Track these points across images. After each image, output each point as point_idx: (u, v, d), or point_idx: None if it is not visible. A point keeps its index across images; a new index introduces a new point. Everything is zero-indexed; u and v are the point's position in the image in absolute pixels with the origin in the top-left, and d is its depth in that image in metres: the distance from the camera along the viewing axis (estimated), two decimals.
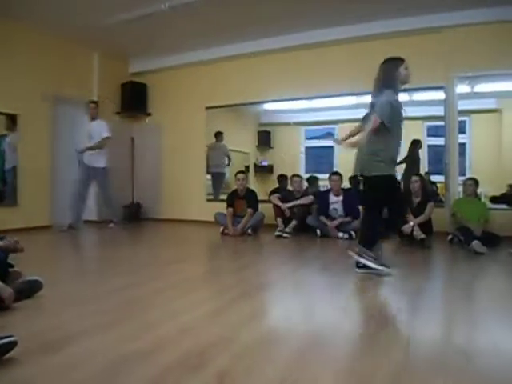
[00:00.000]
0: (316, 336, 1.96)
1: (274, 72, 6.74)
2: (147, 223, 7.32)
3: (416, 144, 5.99)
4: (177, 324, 2.06)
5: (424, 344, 1.90)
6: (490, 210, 5.12)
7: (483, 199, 5.40)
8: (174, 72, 7.61)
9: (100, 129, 6.09)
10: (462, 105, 5.80)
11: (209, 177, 7.47)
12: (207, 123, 7.37)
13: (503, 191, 5.89)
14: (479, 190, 5.20)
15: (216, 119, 7.38)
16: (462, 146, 6.12)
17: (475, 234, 4.51)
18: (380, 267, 3.21)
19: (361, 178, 3.32)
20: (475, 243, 4.26)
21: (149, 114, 7.88)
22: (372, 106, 3.27)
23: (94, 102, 6.32)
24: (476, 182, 5.05)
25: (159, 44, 6.87)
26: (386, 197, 3.28)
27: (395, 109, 3.16)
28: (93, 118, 6.21)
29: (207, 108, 7.34)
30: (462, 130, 6.12)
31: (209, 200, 7.29)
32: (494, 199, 5.69)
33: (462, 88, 5.76)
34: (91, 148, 6.02)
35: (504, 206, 5.25)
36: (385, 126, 3.10)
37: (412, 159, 5.95)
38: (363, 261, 3.25)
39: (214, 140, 7.41)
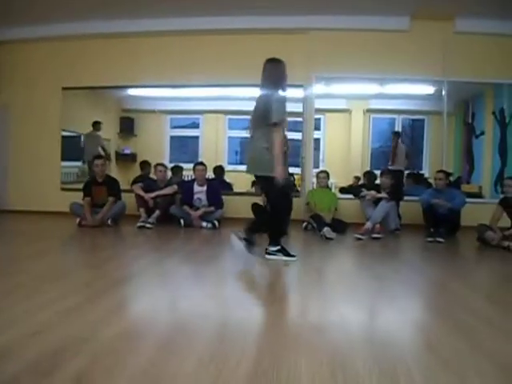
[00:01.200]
0: (181, 325, 1.93)
1: (141, 56, 6.44)
2: None
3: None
4: (26, 327, 1.81)
5: (281, 322, 2.03)
6: (339, 199, 5.69)
7: (333, 190, 5.95)
8: (26, 45, 6.74)
9: None
10: (318, 104, 6.30)
11: (67, 164, 6.88)
12: (64, 105, 6.73)
13: (350, 183, 6.58)
14: (330, 182, 5.73)
15: (74, 102, 6.76)
16: (317, 141, 6.68)
17: (326, 221, 4.99)
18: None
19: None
20: (326, 229, 4.68)
21: None
22: (262, 101, 3.41)
23: None
24: (328, 175, 5.57)
25: (9, 11, 5.90)
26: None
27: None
28: None
29: (64, 89, 6.69)
30: (317, 127, 6.66)
31: (64, 189, 6.70)
32: (342, 190, 6.31)
33: (319, 88, 6.25)
34: None
35: (351, 196, 5.84)
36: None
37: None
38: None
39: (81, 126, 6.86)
